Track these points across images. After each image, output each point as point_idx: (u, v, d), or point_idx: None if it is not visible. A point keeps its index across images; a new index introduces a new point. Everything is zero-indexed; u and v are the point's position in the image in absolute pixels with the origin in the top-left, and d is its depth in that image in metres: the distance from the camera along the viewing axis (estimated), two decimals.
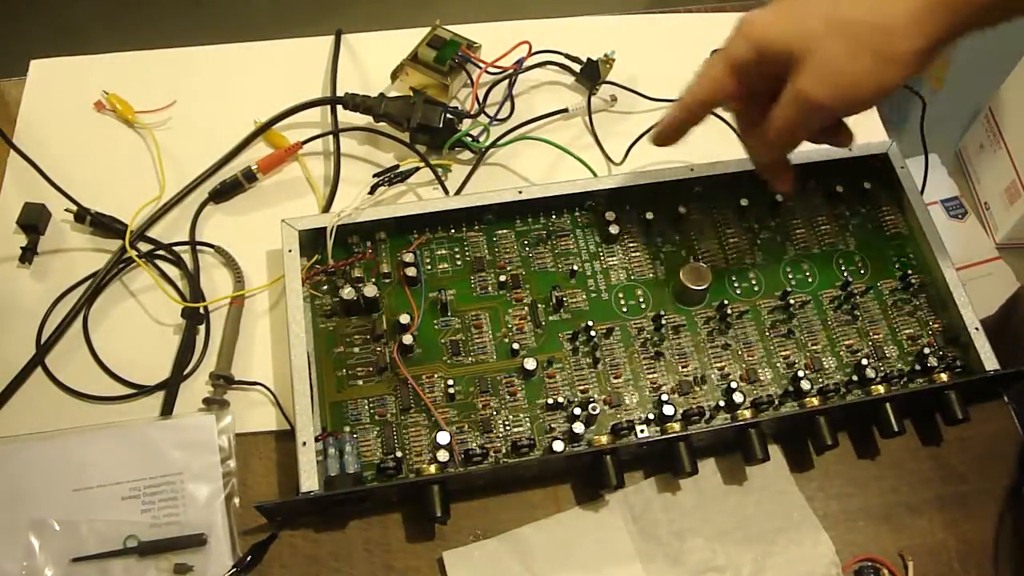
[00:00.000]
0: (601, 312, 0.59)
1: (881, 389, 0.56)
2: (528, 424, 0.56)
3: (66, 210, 0.63)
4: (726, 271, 0.61)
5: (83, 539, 0.52)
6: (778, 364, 0.58)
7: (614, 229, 0.61)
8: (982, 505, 0.57)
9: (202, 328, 0.60)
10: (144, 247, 0.63)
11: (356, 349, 0.57)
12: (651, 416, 0.56)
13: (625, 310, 0.60)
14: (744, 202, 0.63)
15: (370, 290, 0.57)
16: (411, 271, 0.59)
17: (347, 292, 0.57)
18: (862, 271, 0.62)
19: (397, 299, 0.59)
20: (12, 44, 1.42)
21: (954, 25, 0.43)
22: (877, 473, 0.57)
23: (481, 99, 0.69)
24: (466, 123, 0.67)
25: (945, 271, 0.60)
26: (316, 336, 0.58)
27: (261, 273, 0.63)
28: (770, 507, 0.55)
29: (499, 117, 0.69)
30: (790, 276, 0.62)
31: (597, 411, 0.55)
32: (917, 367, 0.58)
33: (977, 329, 0.58)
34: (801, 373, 0.57)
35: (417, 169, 0.65)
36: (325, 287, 0.59)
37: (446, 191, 0.65)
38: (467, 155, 0.68)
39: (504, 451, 0.55)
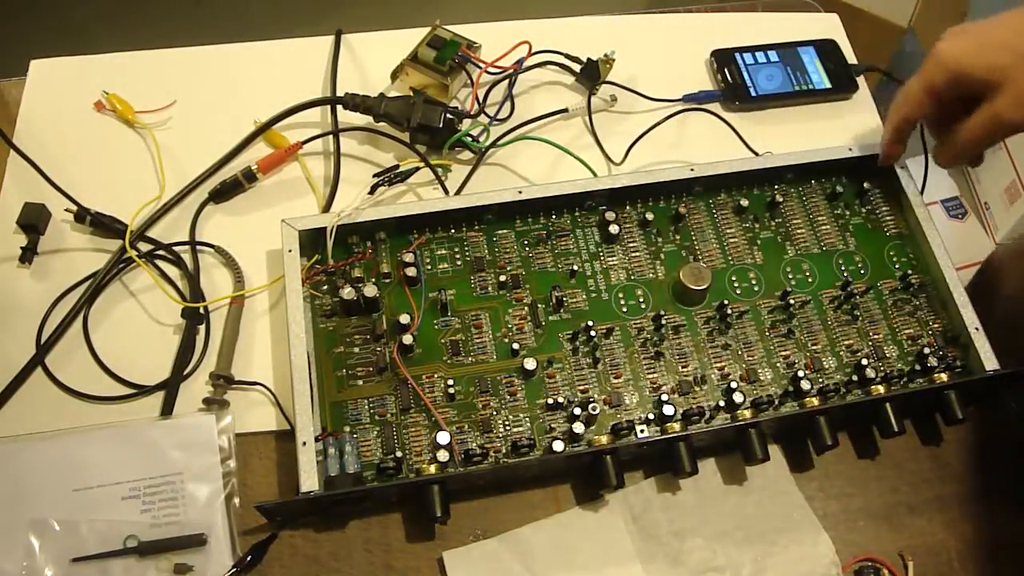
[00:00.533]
0: (601, 312, 0.59)
1: (881, 389, 0.56)
2: (528, 424, 0.56)
3: (66, 210, 0.63)
4: (726, 271, 0.61)
5: (83, 539, 0.52)
6: (778, 364, 0.58)
7: (614, 229, 0.61)
8: (982, 505, 0.57)
9: (202, 328, 0.60)
10: (144, 247, 0.63)
11: (356, 349, 0.57)
12: (651, 416, 0.56)
13: (625, 310, 0.60)
14: (744, 202, 0.63)
15: (370, 290, 0.57)
16: (411, 271, 0.59)
17: (347, 292, 0.57)
18: (862, 271, 0.62)
19: (397, 299, 0.59)
20: (12, 44, 1.42)
21: None
22: (877, 473, 0.57)
23: (481, 99, 0.69)
24: (466, 123, 0.67)
25: (945, 271, 0.60)
26: (316, 336, 0.58)
27: (261, 273, 0.63)
28: (770, 507, 0.55)
29: (499, 117, 0.69)
30: (790, 276, 0.62)
31: (597, 411, 0.55)
32: (917, 367, 0.58)
33: (977, 329, 0.58)
34: (801, 373, 0.57)
35: (417, 169, 0.65)
36: (325, 287, 0.59)
37: (446, 191, 0.65)
38: (467, 155, 0.68)
39: (504, 451, 0.55)
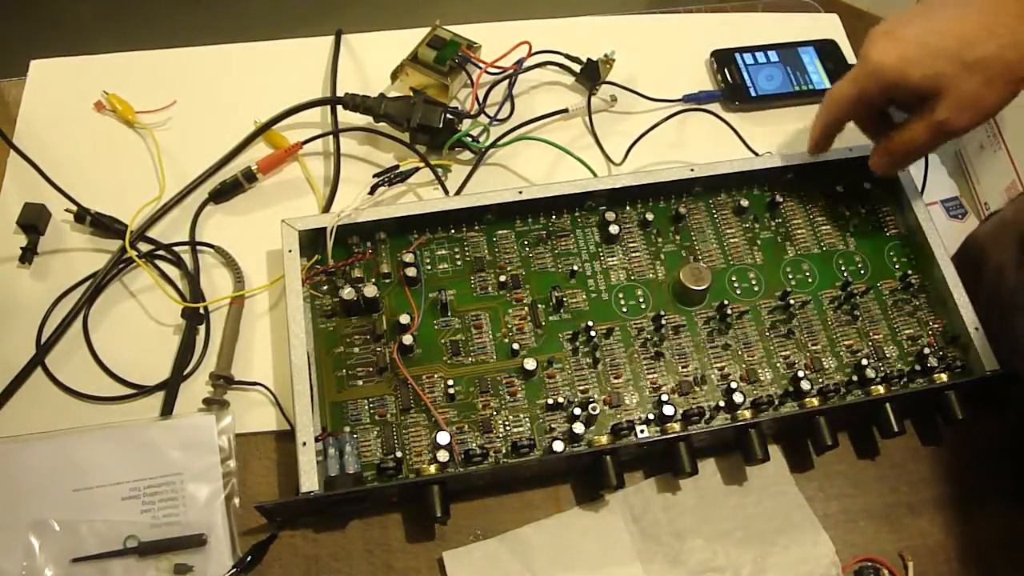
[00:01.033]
0: (601, 312, 0.59)
1: (881, 389, 0.56)
2: (528, 424, 0.56)
3: (66, 210, 0.63)
4: (726, 271, 0.61)
5: (83, 539, 0.52)
6: (778, 364, 0.58)
7: (614, 229, 0.61)
8: (982, 505, 0.57)
9: (202, 328, 0.60)
10: (144, 247, 0.63)
11: (356, 349, 0.57)
12: (651, 416, 0.56)
13: (625, 310, 0.60)
14: (744, 202, 0.63)
15: (370, 290, 0.57)
16: (411, 271, 0.59)
17: (347, 292, 0.57)
18: (862, 271, 0.62)
19: (397, 299, 0.59)
20: (12, 44, 1.42)
21: None
22: (877, 473, 0.57)
23: (481, 99, 0.69)
24: (466, 123, 0.67)
25: (945, 271, 0.60)
26: (316, 336, 0.58)
27: (261, 273, 0.63)
28: (770, 507, 0.55)
29: (499, 117, 0.69)
30: (790, 276, 0.62)
31: (597, 411, 0.55)
32: (917, 367, 0.58)
33: (977, 329, 0.58)
34: (801, 373, 0.57)
35: (417, 169, 0.65)
36: (325, 287, 0.59)
37: (446, 191, 0.65)
38: (467, 155, 0.68)
39: (504, 451, 0.55)
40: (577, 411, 0.55)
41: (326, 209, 0.65)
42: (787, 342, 0.59)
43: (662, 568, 0.53)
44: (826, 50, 0.74)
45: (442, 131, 0.65)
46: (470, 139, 0.67)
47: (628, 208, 0.63)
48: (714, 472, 0.56)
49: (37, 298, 0.61)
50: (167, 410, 0.57)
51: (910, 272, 0.61)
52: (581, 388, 0.57)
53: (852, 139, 0.63)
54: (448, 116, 0.65)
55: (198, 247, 0.63)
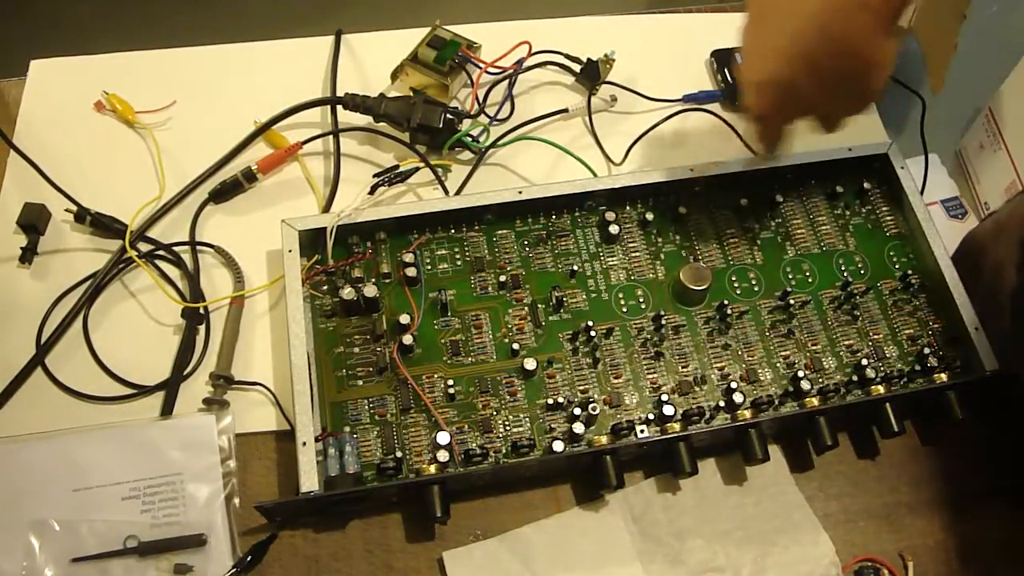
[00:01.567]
0: (601, 312, 0.59)
1: (881, 389, 0.56)
2: (528, 424, 0.56)
3: (66, 210, 0.63)
4: (726, 271, 0.61)
5: (83, 539, 0.52)
6: (778, 364, 0.58)
7: (614, 229, 0.61)
8: (982, 505, 0.57)
9: (202, 328, 0.60)
10: (144, 247, 0.63)
11: (356, 349, 0.57)
12: (651, 416, 0.56)
13: (625, 310, 0.60)
14: (744, 202, 0.63)
15: (370, 290, 0.57)
16: (411, 271, 0.59)
17: (347, 292, 0.57)
18: (862, 271, 0.62)
19: (397, 299, 0.59)
20: (12, 44, 1.42)
21: None
22: (877, 473, 0.57)
23: (481, 99, 0.69)
24: (466, 123, 0.67)
25: (945, 271, 0.60)
26: (316, 336, 0.58)
27: (261, 273, 0.63)
28: (770, 507, 0.55)
29: (499, 117, 0.69)
30: (790, 276, 0.62)
31: (597, 411, 0.55)
32: (917, 367, 0.58)
33: (977, 329, 0.58)
34: (801, 373, 0.57)
35: (417, 169, 0.65)
36: (325, 287, 0.59)
37: (446, 191, 0.65)
38: (467, 155, 0.68)
39: (504, 451, 0.55)
40: (577, 411, 0.55)
41: (326, 209, 0.65)
42: (787, 342, 0.59)
43: (662, 568, 0.53)
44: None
45: (442, 131, 0.65)
46: (470, 139, 0.67)
47: (628, 208, 0.63)
48: (714, 472, 0.56)
49: (37, 298, 0.61)
50: (167, 410, 0.57)
51: (910, 272, 0.61)
52: (581, 388, 0.57)
53: (852, 139, 0.63)
54: (448, 116, 0.65)
55: (198, 247, 0.63)
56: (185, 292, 0.62)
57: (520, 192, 0.61)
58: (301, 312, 0.56)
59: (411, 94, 0.68)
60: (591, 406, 0.55)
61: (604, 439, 0.54)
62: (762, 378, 0.58)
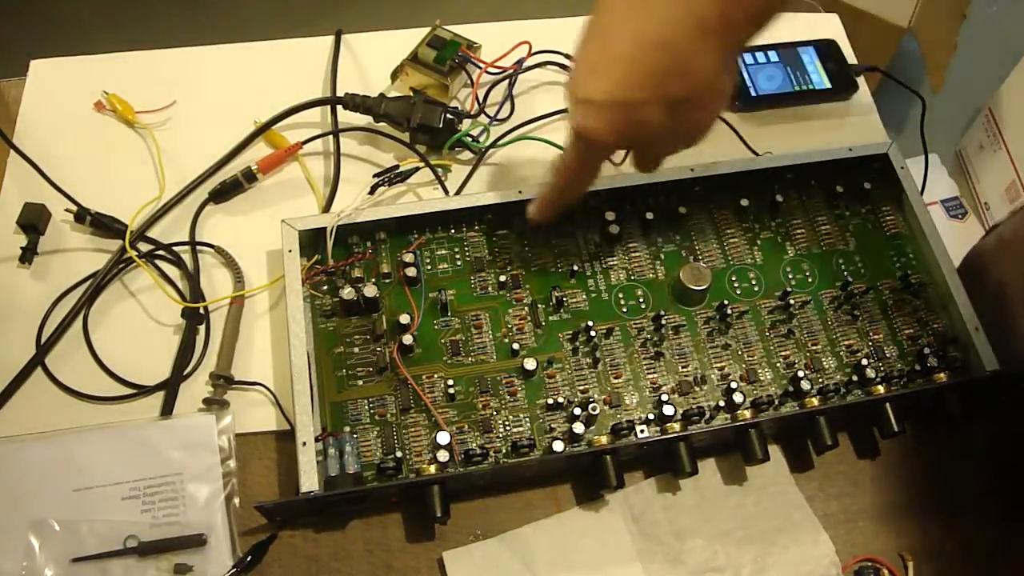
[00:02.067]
0: (601, 312, 0.59)
1: (881, 389, 0.56)
2: (528, 424, 0.56)
3: (66, 210, 0.63)
4: (726, 271, 0.61)
5: (83, 539, 0.52)
6: (778, 364, 0.58)
7: (614, 229, 0.61)
8: (982, 505, 0.57)
9: (202, 328, 0.60)
10: (144, 247, 0.63)
11: (356, 349, 0.57)
12: (651, 416, 0.56)
13: (625, 310, 0.60)
14: (744, 202, 0.63)
15: (370, 290, 0.57)
16: (411, 271, 0.59)
17: (347, 292, 0.57)
18: (862, 271, 0.62)
19: (397, 299, 0.59)
20: (12, 44, 1.42)
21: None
22: (877, 473, 0.57)
23: (481, 99, 0.70)
24: (466, 123, 0.67)
25: (945, 271, 0.60)
26: (316, 336, 0.58)
27: (261, 273, 0.63)
28: (770, 507, 0.55)
29: (499, 117, 0.69)
30: (790, 276, 0.62)
31: (597, 411, 0.55)
32: (917, 367, 0.58)
33: (977, 329, 0.58)
34: (801, 373, 0.57)
35: (417, 169, 0.65)
36: (325, 287, 0.59)
37: (446, 191, 0.65)
38: (467, 155, 0.68)
39: (504, 451, 0.55)
40: (577, 411, 0.55)
41: (326, 209, 0.65)
42: (787, 342, 0.59)
43: (662, 568, 0.53)
44: (826, 50, 0.74)
45: (442, 131, 0.65)
46: (470, 139, 0.67)
47: (628, 208, 0.63)
48: (714, 472, 0.56)
49: (37, 298, 0.61)
50: (167, 410, 0.57)
51: (910, 272, 0.61)
52: (581, 388, 0.57)
53: (852, 139, 0.63)
54: (448, 116, 0.65)
55: (198, 247, 0.63)
56: (185, 292, 0.62)
57: (520, 192, 0.61)
58: (301, 312, 0.56)
59: (411, 94, 0.68)
60: (591, 406, 0.55)
61: (604, 439, 0.54)
62: (762, 378, 0.58)
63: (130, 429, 0.56)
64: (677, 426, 0.55)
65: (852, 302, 0.61)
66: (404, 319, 0.57)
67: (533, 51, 0.70)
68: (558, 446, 0.53)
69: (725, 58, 0.47)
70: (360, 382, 0.56)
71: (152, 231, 0.64)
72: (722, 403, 0.56)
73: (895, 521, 0.56)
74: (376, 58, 0.72)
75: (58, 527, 0.52)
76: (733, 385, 0.56)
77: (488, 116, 0.69)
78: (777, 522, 0.55)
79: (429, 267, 0.60)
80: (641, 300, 0.60)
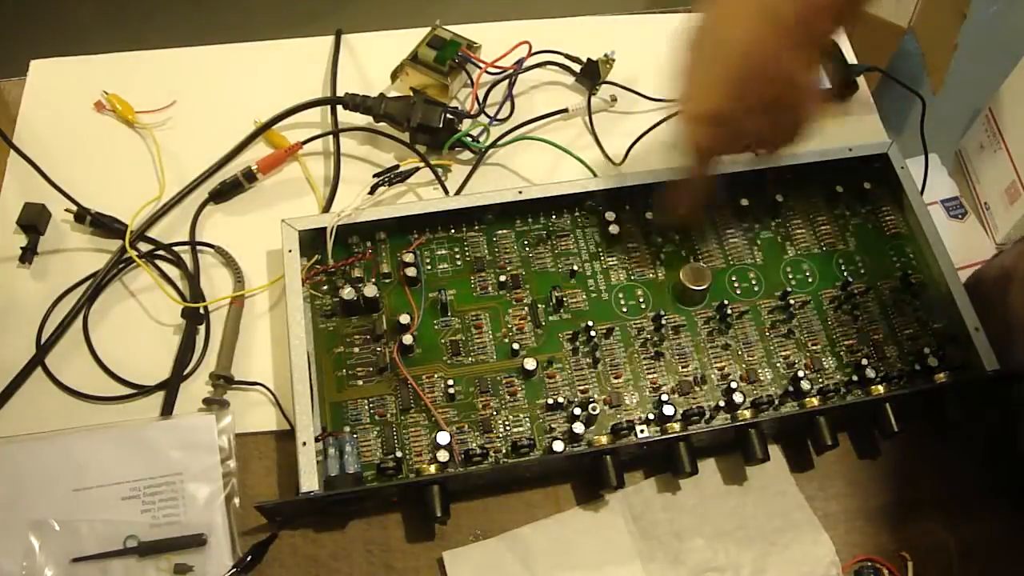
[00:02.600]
0: (601, 312, 0.59)
1: (881, 389, 0.56)
2: (528, 424, 0.56)
3: (66, 210, 0.63)
4: (726, 271, 0.61)
5: (83, 539, 0.52)
6: (778, 364, 0.58)
7: (614, 229, 0.61)
8: (982, 505, 0.57)
9: (202, 328, 0.60)
10: (144, 247, 0.63)
11: (356, 349, 0.57)
12: (651, 416, 0.56)
13: (625, 310, 0.60)
14: (744, 202, 0.63)
15: (370, 290, 0.57)
16: (411, 271, 0.59)
17: (347, 292, 0.57)
18: (862, 271, 0.62)
19: (397, 299, 0.59)
20: (12, 44, 1.42)
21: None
22: (877, 473, 0.57)
23: (481, 99, 0.69)
24: (466, 123, 0.67)
25: (945, 271, 0.60)
26: (316, 336, 0.58)
27: (261, 273, 0.63)
28: (770, 507, 0.55)
29: (499, 117, 0.69)
30: (790, 276, 0.62)
31: (597, 411, 0.55)
32: (917, 367, 0.58)
33: (977, 329, 0.58)
34: (801, 373, 0.57)
35: (417, 169, 0.65)
36: (325, 287, 0.59)
37: (446, 191, 0.65)
38: (467, 155, 0.68)
39: (504, 451, 0.55)
40: (577, 411, 0.55)
41: (326, 209, 0.65)
42: (787, 342, 0.59)
43: (662, 568, 0.53)
44: (826, 50, 0.74)
45: (442, 131, 0.65)
46: (470, 139, 0.67)
47: (628, 208, 0.63)
48: (714, 472, 0.56)
49: (37, 298, 0.61)
50: (167, 410, 0.57)
51: (910, 272, 0.61)
52: (581, 388, 0.57)
53: (852, 139, 0.63)
54: (448, 116, 0.65)
55: (198, 247, 0.63)
56: (185, 292, 0.62)
57: (520, 192, 0.61)
58: (301, 312, 0.56)
59: (411, 94, 0.68)
60: (591, 406, 0.55)
61: (604, 439, 0.54)
62: (762, 378, 0.58)
63: (130, 429, 0.56)
64: (677, 426, 0.55)
65: (852, 302, 0.61)
66: (404, 319, 0.57)
67: (533, 51, 0.70)
68: (558, 446, 0.53)
69: (807, 58, 0.50)
70: (360, 382, 0.56)
71: (152, 231, 0.64)
72: (722, 403, 0.56)
73: (895, 521, 0.56)
74: (376, 58, 0.72)
75: (58, 527, 0.52)
76: (733, 385, 0.56)
77: (488, 116, 0.69)
78: (777, 522, 0.55)
79: (429, 267, 0.60)
80: (641, 300, 0.60)
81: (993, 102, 0.69)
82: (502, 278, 0.60)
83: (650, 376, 0.57)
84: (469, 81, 0.69)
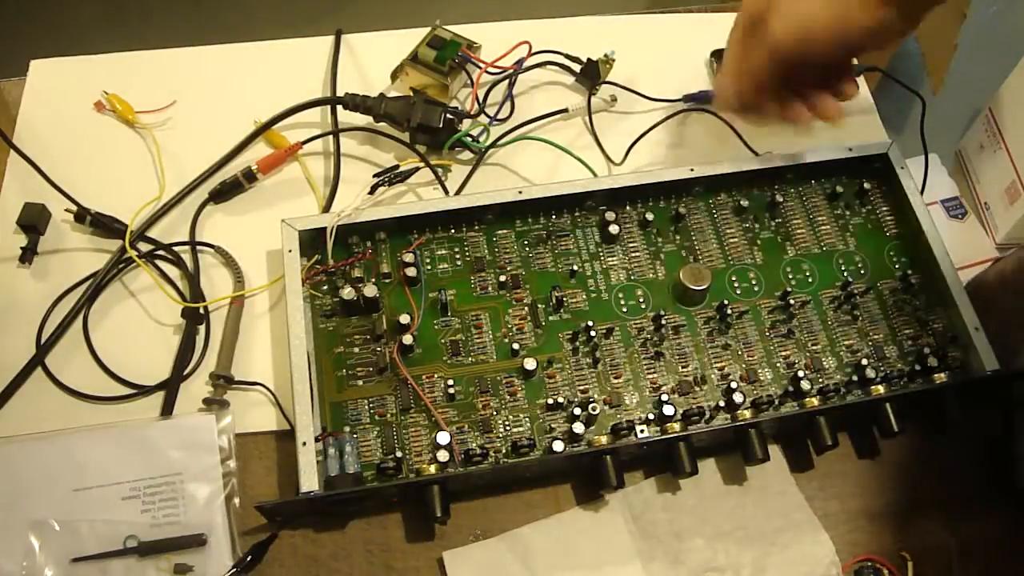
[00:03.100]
0: (601, 312, 0.59)
1: (881, 389, 0.56)
2: (528, 424, 0.56)
3: (66, 210, 0.63)
4: (726, 271, 0.61)
5: (83, 539, 0.52)
6: (778, 364, 0.58)
7: (614, 229, 0.61)
8: (982, 505, 0.57)
9: (202, 328, 0.60)
10: (144, 247, 0.63)
11: (356, 349, 0.57)
12: (651, 416, 0.56)
13: (625, 310, 0.60)
14: (744, 202, 0.63)
15: (370, 290, 0.57)
16: (411, 271, 0.59)
17: (347, 292, 0.57)
18: (862, 271, 0.62)
19: (397, 299, 0.59)
20: (12, 44, 1.42)
21: None
22: (877, 473, 0.57)
23: (481, 99, 0.69)
24: (466, 123, 0.67)
25: (945, 271, 0.60)
26: (316, 336, 0.58)
27: (261, 273, 0.63)
28: (770, 507, 0.55)
29: (499, 117, 0.69)
30: (790, 276, 0.62)
31: (597, 411, 0.55)
32: (917, 367, 0.58)
33: (977, 329, 0.58)
34: (801, 373, 0.57)
35: (417, 169, 0.65)
36: (325, 287, 0.59)
37: (446, 191, 0.65)
38: (467, 155, 0.68)
39: (504, 451, 0.55)
40: (577, 411, 0.55)
41: (326, 209, 0.65)
42: (787, 342, 0.59)
43: (662, 568, 0.53)
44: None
45: (442, 131, 0.65)
46: (470, 139, 0.67)
47: (628, 208, 0.63)
48: (714, 472, 0.56)
49: (37, 298, 0.61)
50: (167, 410, 0.57)
51: (910, 272, 0.61)
52: (581, 388, 0.57)
53: (852, 139, 0.63)
54: (448, 116, 0.65)
55: (198, 247, 0.63)
56: (185, 292, 0.62)
57: (520, 192, 0.61)
58: (301, 312, 0.56)
59: (411, 94, 0.68)
60: (591, 406, 0.55)
61: (604, 439, 0.54)
62: (762, 378, 0.58)
63: (130, 429, 0.56)
64: (677, 426, 0.55)
65: (852, 302, 0.61)
66: (404, 319, 0.57)
67: (533, 51, 0.70)
68: (558, 446, 0.53)
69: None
70: (360, 382, 0.56)
71: (152, 231, 0.64)
72: (722, 403, 0.56)
73: (895, 521, 0.56)
74: (376, 58, 0.72)
75: (58, 527, 0.52)
76: (733, 385, 0.56)
77: (488, 116, 0.69)
78: (777, 522, 0.55)
79: (429, 267, 0.60)
80: (641, 300, 0.60)
81: (993, 102, 0.69)
82: (502, 278, 0.60)
83: (650, 376, 0.57)
84: (469, 81, 0.69)
